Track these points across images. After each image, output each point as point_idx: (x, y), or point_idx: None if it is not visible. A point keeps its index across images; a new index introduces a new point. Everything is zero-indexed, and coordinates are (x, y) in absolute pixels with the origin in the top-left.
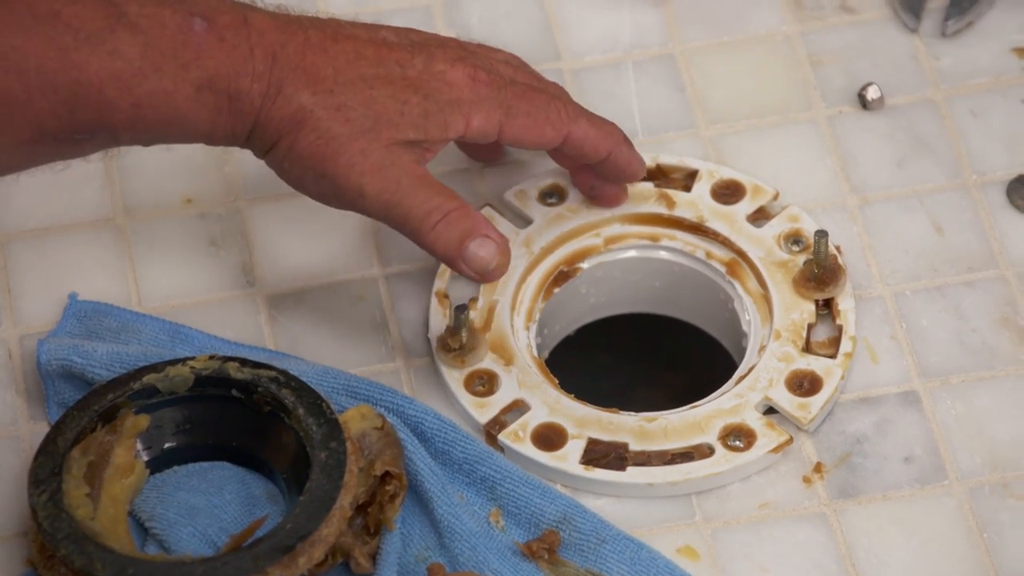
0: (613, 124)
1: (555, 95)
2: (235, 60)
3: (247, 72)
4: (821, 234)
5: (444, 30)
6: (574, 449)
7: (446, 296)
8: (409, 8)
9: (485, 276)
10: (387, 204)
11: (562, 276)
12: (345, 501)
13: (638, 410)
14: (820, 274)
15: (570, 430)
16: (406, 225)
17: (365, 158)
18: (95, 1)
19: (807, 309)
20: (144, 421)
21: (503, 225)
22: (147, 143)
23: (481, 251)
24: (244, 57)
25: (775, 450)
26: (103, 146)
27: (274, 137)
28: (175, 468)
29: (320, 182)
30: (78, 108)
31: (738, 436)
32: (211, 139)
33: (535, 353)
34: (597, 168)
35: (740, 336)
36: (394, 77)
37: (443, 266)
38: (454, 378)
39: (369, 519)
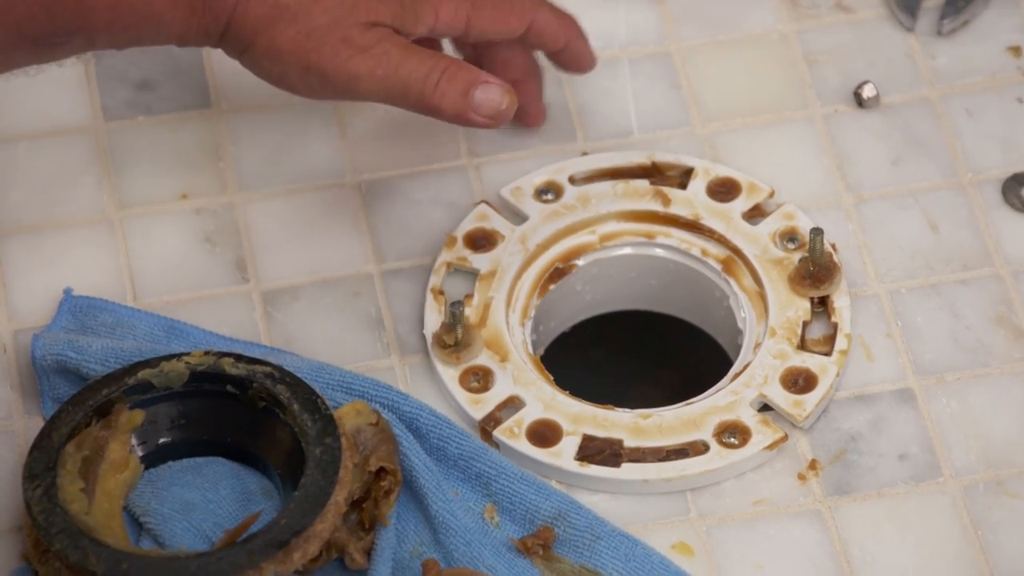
0: (571, 15)
1: None
2: None
3: None
4: (817, 231)
5: None
6: (569, 445)
7: (441, 292)
8: None
9: (498, 118)
10: (382, 79)
11: (557, 273)
12: (340, 497)
13: (633, 407)
14: (816, 272)
15: (565, 426)
16: (407, 94)
17: (348, 43)
18: None
19: (802, 306)
20: (139, 416)
21: (499, 222)
22: (122, 46)
23: (489, 95)
24: None
25: (770, 447)
26: (79, 50)
27: (250, 35)
28: (170, 463)
29: (306, 76)
30: (56, 10)
31: (733, 433)
32: (184, 40)
33: (530, 350)
34: (553, 58)
35: (735, 333)
36: None
37: (438, 262)
38: (449, 374)
39: (364, 515)
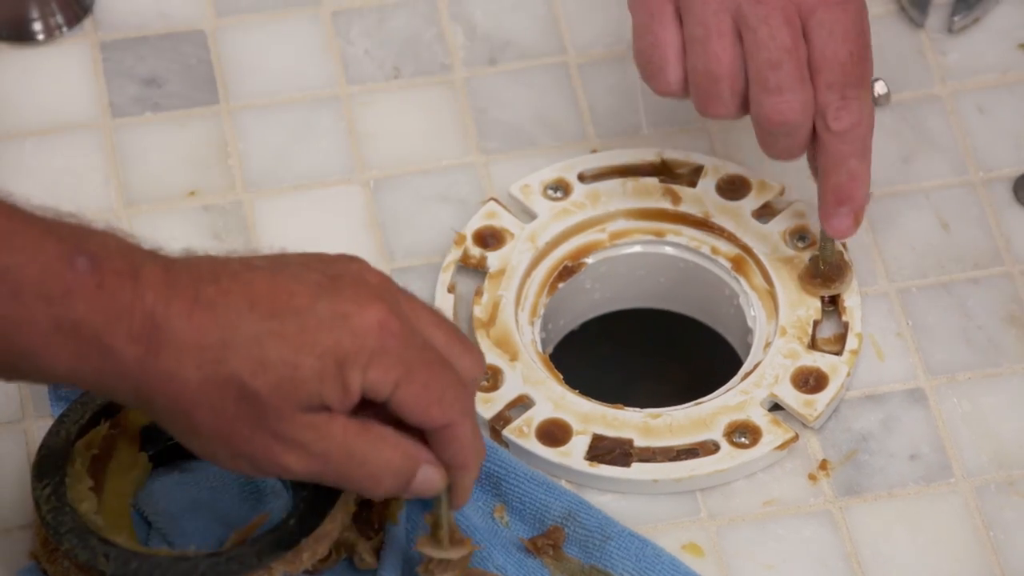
0: (483, 451)
1: (460, 381)
2: (108, 313)
3: (121, 331)
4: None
5: (449, 24)
6: (579, 445)
7: (452, 290)
8: (414, 3)
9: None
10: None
11: (567, 271)
12: (349, 497)
13: (642, 406)
14: (826, 271)
15: (575, 426)
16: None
17: (276, 439)
18: None
19: (813, 306)
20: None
21: (508, 219)
22: (6, 377)
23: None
24: (120, 313)
25: (780, 447)
26: None
27: (167, 410)
28: (178, 462)
29: (237, 461)
30: None
31: (743, 433)
32: (80, 383)
33: (540, 348)
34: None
35: (745, 332)
36: (289, 332)
37: (448, 259)
38: None
39: (373, 514)
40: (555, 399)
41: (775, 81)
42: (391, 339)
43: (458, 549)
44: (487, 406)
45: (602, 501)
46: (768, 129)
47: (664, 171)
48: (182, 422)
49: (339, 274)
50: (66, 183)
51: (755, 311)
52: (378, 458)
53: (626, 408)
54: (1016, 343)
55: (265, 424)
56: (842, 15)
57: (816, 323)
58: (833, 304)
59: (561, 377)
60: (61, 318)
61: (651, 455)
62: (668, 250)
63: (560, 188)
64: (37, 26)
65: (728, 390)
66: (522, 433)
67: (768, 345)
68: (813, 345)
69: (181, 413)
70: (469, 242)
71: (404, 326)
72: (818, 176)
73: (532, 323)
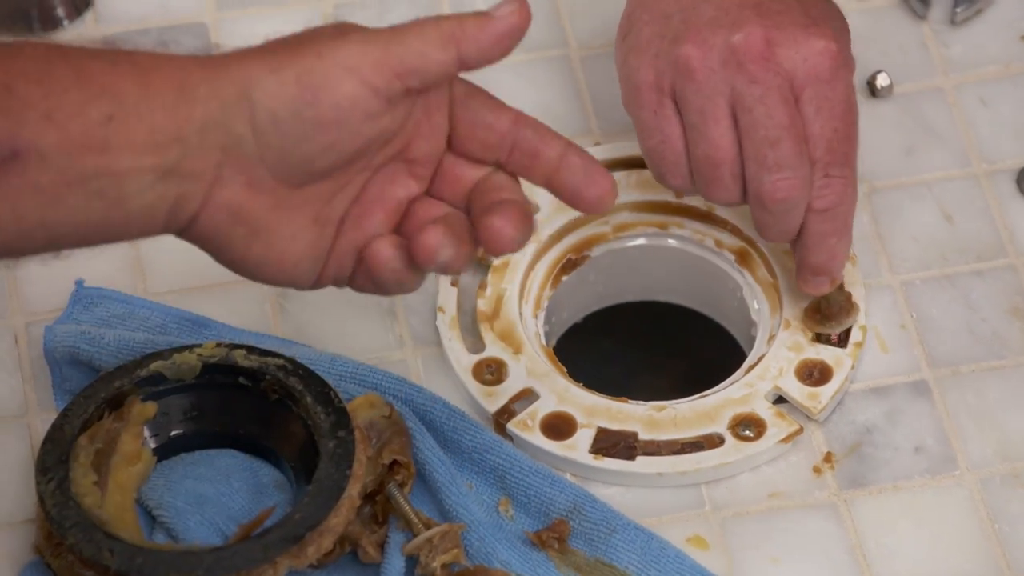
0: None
1: None
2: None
3: None
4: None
5: None
6: (583, 438)
7: (456, 283)
8: None
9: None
10: None
11: (570, 264)
12: (354, 491)
13: (646, 399)
14: (827, 309)
15: (579, 419)
16: None
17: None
18: None
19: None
20: (151, 408)
21: None
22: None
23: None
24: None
25: (785, 440)
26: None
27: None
28: (182, 456)
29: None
30: None
31: (748, 426)
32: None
33: (544, 341)
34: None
35: (749, 325)
36: None
37: None
38: (463, 366)
39: (377, 508)
40: (559, 392)
41: (774, 159)
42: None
43: (434, 528)
44: (491, 400)
45: (607, 494)
46: (769, 207)
47: None
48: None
49: None
50: None
51: (759, 304)
52: None
53: (630, 401)
54: (1020, 335)
55: None
56: (831, 92)
57: None
58: (842, 344)
59: (565, 370)
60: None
61: (656, 448)
62: (672, 243)
63: None
64: (38, 19)
65: (732, 383)
66: (526, 427)
67: (772, 338)
68: (817, 338)
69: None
70: None
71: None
72: (796, 248)
73: (536, 316)
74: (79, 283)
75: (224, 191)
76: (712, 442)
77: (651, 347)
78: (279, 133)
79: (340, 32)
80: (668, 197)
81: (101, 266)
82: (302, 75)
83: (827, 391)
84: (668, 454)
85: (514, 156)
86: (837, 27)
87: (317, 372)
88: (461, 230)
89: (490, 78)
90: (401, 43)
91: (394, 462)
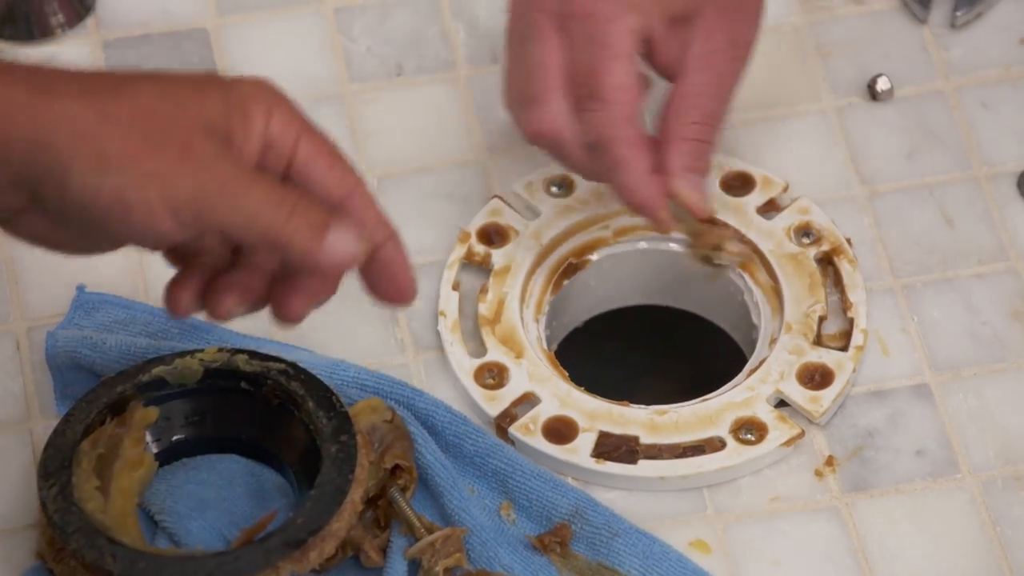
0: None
1: None
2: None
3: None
4: None
5: (451, 22)
6: (585, 442)
7: (457, 287)
8: (416, 0)
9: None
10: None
11: (571, 268)
12: (356, 495)
13: (647, 403)
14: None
15: (581, 423)
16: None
17: (180, 156)
18: None
19: (818, 302)
20: (153, 413)
21: (512, 217)
22: None
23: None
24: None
25: (787, 443)
26: None
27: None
28: (184, 460)
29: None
30: None
31: (749, 429)
32: None
33: (545, 346)
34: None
35: (750, 328)
36: (194, 77)
37: (453, 257)
38: (464, 371)
39: (379, 512)
40: (561, 396)
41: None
42: (288, 100)
43: (436, 532)
44: (493, 404)
45: (609, 498)
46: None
47: None
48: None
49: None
50: None
51: (760, 307)
52: (253, 193)
53: (632, 405)
54: (1021, 338)
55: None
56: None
57: (821, 319)
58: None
59: (567, 374)
60: None
61: (657, 452)
62: (672, 247)
63: (564, 185)
64: (39, 25)
65: (734, 387)
66: (528, 431)
67: (773, 341)
68: (818, 341)
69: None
70: (473, 239)
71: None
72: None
73: (537, 320)
74: (80, 288)
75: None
76: (714, 446)
77: (652, 351)
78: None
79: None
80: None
81: (103, 271)
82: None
83: (828, 395)
84: (670, 458)
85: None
86: None
87: (319, 377)
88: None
89: (491, 83)
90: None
91: (396, 466)
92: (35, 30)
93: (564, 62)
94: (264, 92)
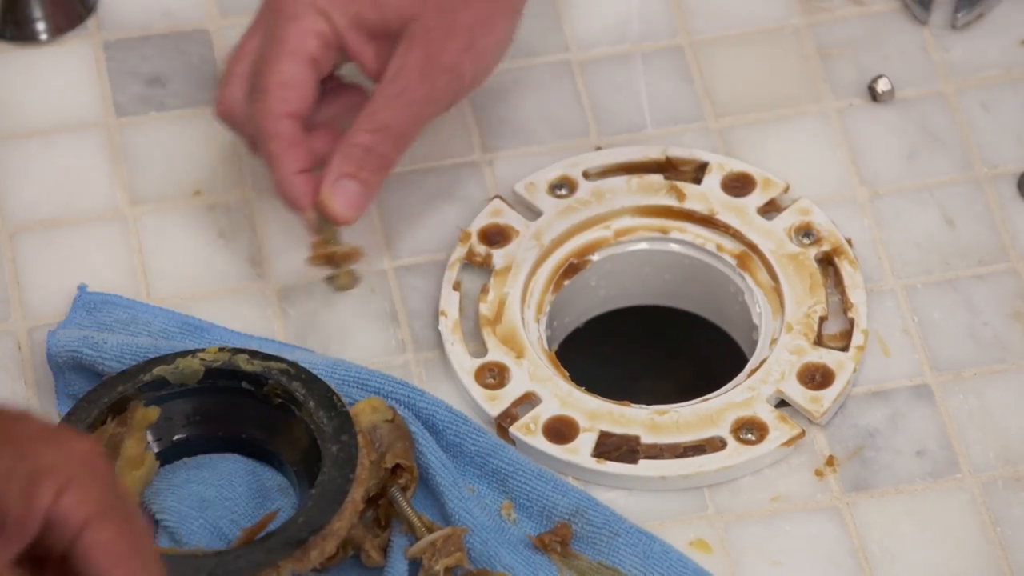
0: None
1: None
2: None
3: None
4: None
5: None
6: (586, 442)
7: (458, 287)
8: None
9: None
10: None
11: (572, 268)
12: (357, 494)
13: (647, 402)
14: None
15: (582, 423)
16: None
17: None
18: None
19: (819, 302)
20: (154, 413)
21: (513, 217)
22: None
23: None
24: None
25: (787, 443)
26: None
27: None
28: (185, 460)
29: None
30: None
31: (750, 429)
32: None
33: (546, 346)
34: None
35: (751, 329)
36: None
37: (454, 257)
38: (465, 370)
39: (380, 512)
40: (562, 396)
41: None
42: (95, 478)
43: (437, 531)
44: (493, 403)
45: (609, 498)
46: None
47: (669, 168)
48: None
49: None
50: (70, 183)
51: (760, 307)
52: None
53: (632, 405)
54: (1021, 339)
55: None
56: None
57: (822, 319)
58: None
59: (567, 374)
60: None
61: (658, 452)
62: (673, 247)
63: (565, 186)
64: (40, 26)
65: (734, 387)
66: (529, 430)
67: (774, 341)
68: (819, 341)
69: None
70: (474, 240)
71: (110, 470)
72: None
73: (538, 320)
74: (82, 288)
75: None
76: (714, 446)
77: (653, 351)
78: None
79: None
80: (669, 202)
81: (104, 271)
82: None
83: (829, 395)
84: (670, 458)
85: None
86: None
87: (320, 376)
88: None
89: (492, 84)
90: None
91: (397, 466)
92: (37, 31)
93: (255, 51)
94: (66, 465)
